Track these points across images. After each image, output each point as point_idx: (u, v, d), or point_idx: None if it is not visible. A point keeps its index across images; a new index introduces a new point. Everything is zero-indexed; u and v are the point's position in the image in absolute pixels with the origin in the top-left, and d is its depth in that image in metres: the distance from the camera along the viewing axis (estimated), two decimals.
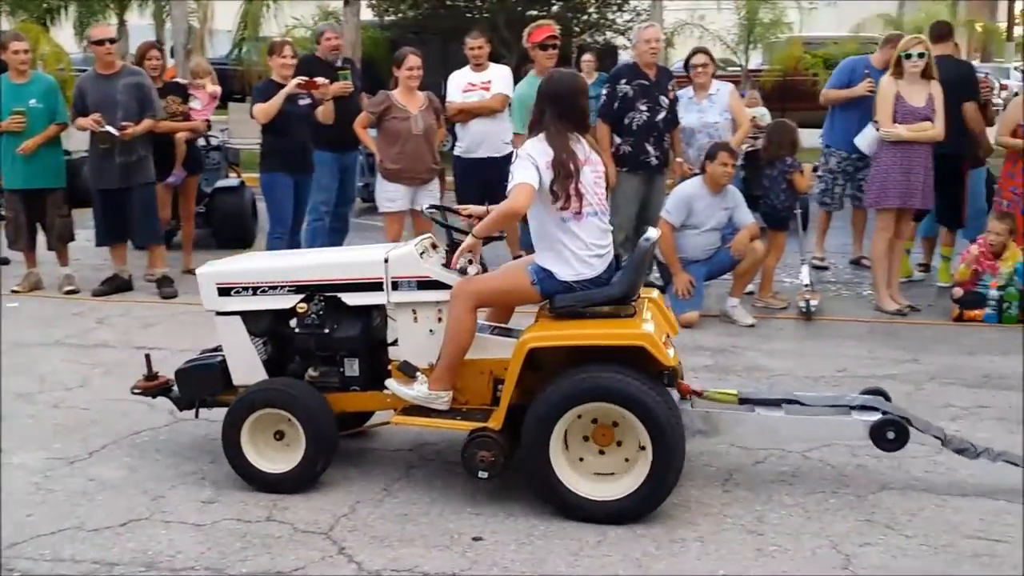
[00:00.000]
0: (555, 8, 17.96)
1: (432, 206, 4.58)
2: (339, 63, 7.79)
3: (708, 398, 4.31)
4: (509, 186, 3.95)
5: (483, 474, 3.92)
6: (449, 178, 7.92)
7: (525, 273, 4.08)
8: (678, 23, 18.51)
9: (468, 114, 7.53)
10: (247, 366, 4.33)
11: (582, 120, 4.11)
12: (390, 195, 7.18)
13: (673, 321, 4.35)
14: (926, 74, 6.89)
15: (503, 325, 4.39)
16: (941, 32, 7.81)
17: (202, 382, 4.43)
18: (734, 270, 6.88)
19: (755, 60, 19.04)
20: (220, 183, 9.57)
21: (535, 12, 16.85)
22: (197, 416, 4.55)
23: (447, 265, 4.21)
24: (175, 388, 4.53)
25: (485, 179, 7.55)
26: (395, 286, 4.18)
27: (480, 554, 3.67)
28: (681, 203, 6.73)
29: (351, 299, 4.27)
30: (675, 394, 4.09)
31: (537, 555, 3.66)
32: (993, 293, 6.85)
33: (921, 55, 6.85)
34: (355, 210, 9.38)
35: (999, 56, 25.07)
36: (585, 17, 18.88)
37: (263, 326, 4.36)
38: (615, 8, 18.91)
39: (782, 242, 7.35)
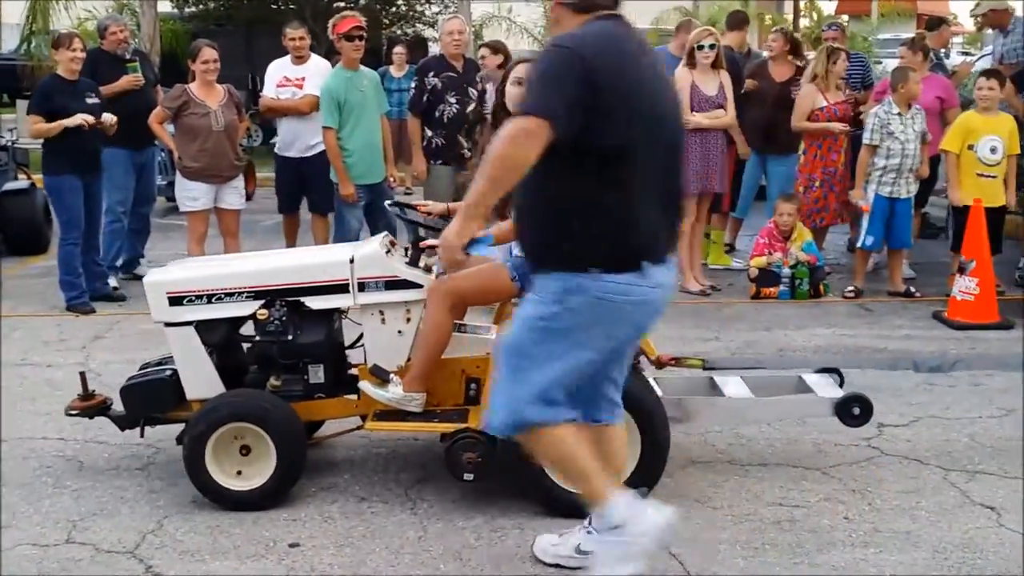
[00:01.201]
0: (363, 0, 17.76)
1: (393, 203, 4.39)
2: (128, 56, 7.42)
3: (685, 364, 4.42)
4: None
5: (469, 476, 3.84)
6: (267, 173, 7.70)
7: (504, 269, 3.96)
8: (486, 16, 18.68)
9: (277, 111, 7.36)
10: (203, 379, 4.07)
11: None
12: (191, 194, 6.90)
13: None
14: (716, 64, 7.23)
15: (462, 322, 4.24)
16: (735, 20, 8.34)
17: (152, 398, 4.12)
18: None
19: None
20: (8, 186, 8.96)
21: (342, 4, 16.59)
22: (143, 435, 4.22)
23: (411, 263, 4.07)
24: (114, 406, 4.23)
25: (300, 176, 7.43)
26: (361, 287, 4.00)
27: (297, 561, 3.58)
28: None
29: (315, 303, 4.05)
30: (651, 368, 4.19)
31: (357, 557, 3.61)
32: (786, 271, 7.28)
33: (712, 46, 7.18)
34: (159, 210, 8.98)
35: None
36: (394, 9, 18.77)
37: (219, 335, 4.10)
38: (424, 0, 18.89)
39: None
